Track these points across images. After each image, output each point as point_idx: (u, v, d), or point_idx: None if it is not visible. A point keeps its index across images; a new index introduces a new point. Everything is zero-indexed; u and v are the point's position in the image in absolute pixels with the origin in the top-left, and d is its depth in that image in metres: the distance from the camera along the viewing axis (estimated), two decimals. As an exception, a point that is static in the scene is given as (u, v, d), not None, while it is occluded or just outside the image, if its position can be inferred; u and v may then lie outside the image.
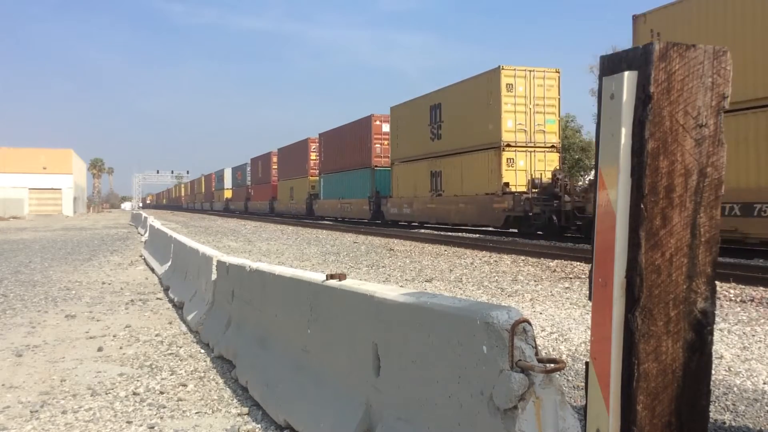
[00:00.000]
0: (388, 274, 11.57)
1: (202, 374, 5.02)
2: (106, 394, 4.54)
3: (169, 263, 10.56)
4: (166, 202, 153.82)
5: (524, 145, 22.48)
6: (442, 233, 23.71)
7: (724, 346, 5.58)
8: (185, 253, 8.77)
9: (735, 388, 4.39)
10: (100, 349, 5.93)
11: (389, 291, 3.02)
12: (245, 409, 4.13)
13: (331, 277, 3.57)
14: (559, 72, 23.03)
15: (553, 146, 23.03)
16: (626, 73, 2.16)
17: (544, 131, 22.77)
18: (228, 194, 73.61)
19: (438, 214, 26.39)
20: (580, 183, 25.46)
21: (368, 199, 33.50)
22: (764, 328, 6.34)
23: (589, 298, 2.28)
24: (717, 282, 2.32)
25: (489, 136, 22.55)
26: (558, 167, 22.37)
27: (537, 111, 22.55)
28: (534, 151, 22.64)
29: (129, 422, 3.92)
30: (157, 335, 6.53)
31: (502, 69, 22.09)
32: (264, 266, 4.97)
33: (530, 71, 22.41)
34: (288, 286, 4.24)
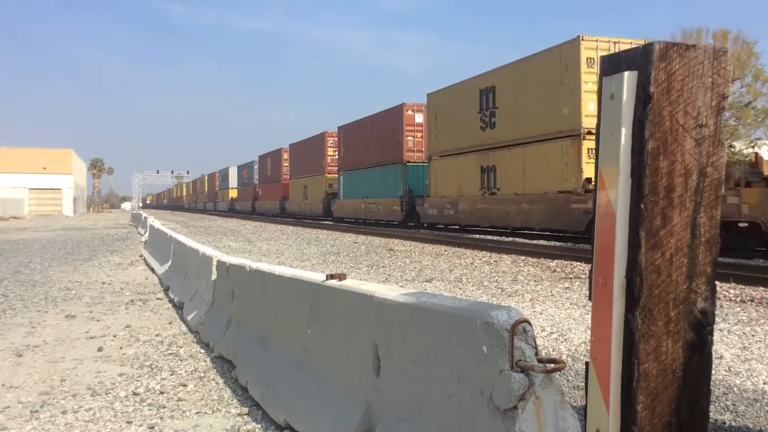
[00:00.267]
0: (388, 274, 11.57)
1: (202, 374, 5.02)
2: (106, 394, 4.54)
3: (169, 263, 10.56)
4: (167, 202, 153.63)
5: None
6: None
7: (724, 346, 5.58)
8: (185, 253, 8.77)
9: (735, 388, 4.39)
10: (100, 349, 5.93)
11: (389, 291, 3.01)
12: (245, 409, 4.13)
13: (331, 277, 3.57)
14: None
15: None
16: (626, 73, 2.16)
17: None
18: (233, 194, 70.20)
19: (492, 216, 21.77)
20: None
21: (400, 198, 28.71)
22: (764, 328, 6.34)
23: (589, 298, 2.28)
24: (717, 282, 2.32)
25: (564, 122, 18.20)
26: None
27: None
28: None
29: (129, 422, 3.92)
30: (157, 335, 6.53)
31: (582, 40, 17.69)
32: (264, 266, 4.97)
33: (615, 42, 18.07)
34: (288, 286, 4.24)
